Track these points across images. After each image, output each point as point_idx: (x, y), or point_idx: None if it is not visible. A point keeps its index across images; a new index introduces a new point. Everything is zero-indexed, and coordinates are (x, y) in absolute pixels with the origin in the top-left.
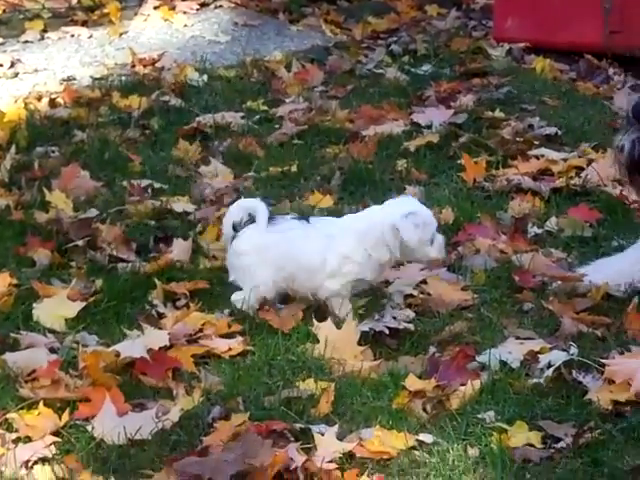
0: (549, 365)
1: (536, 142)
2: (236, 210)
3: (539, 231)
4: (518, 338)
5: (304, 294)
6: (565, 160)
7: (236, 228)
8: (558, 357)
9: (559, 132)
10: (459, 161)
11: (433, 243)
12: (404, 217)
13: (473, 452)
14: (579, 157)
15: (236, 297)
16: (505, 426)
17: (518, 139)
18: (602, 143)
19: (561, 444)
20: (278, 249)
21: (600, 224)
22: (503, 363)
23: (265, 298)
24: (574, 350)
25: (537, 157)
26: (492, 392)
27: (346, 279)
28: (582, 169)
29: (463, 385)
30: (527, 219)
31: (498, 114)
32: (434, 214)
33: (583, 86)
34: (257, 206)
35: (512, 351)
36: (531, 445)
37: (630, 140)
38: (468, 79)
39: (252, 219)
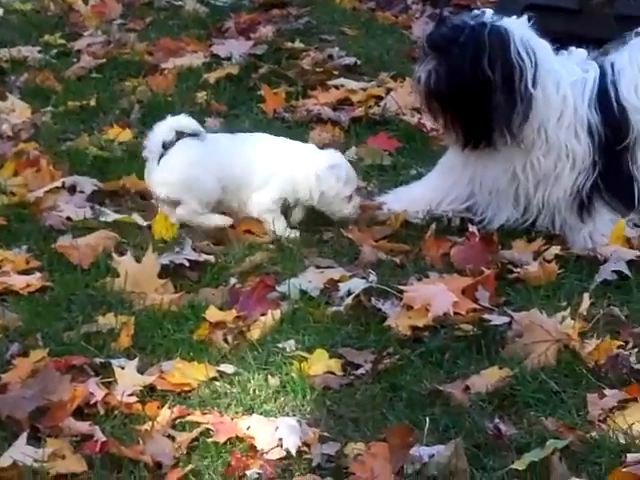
0: (349, 293)
1: (335, 72)
2: (166, 128)
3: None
4: (318, 267)
5: (234, 208)
6: (364, 90)
7: (165, 146)
8: (357, 285)
9: (358, 62)
10: (259, 92)
11: (350, 201)
12: (328, 168)
13: (274, 381)
14: (378, 86)
15: (181, 211)
16: (305, 354)
17: (318, 69)
18: (401, 72)
19: (361, 370)
20: (215, 160)
21: (399, 152)
22: (303, 292)
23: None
24: (373, 277)
25: (337, 87)
26: (292, 321)
27: (274, 194)
28: (381, 98)
29: (264, 315)
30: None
31: (298, 45)
32: None
33: (382, 16)
34: (188, 122)
35: (312, 280)
36: (331, 372)
37: (426, 70)
38: (267, 10)
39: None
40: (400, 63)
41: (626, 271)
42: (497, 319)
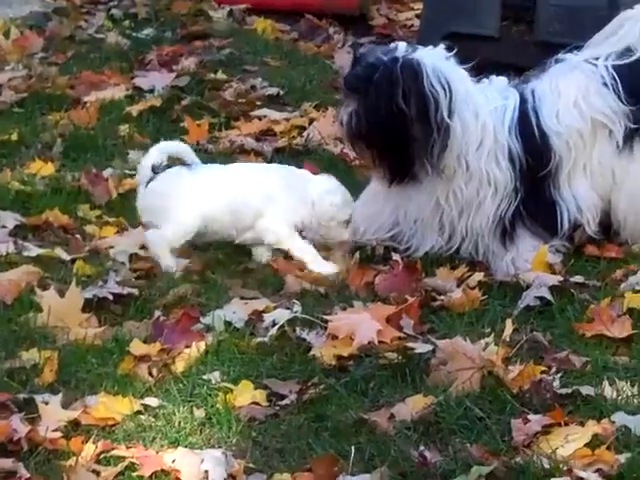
0: (273, 324)
1: (258, 103)
2: (157, 152)
3: None
4: (243, 298)
5: (226, 236)
6: (287, 120)
7: (155, 170)
8: (282, 315)
9: (281, 92)
10: (182, 124)
11: (347, 226)
12: (324, 193)
13: (199, 413)
14: (301, 116)
15: (151, 236)
16: (231, 386)
17: (240, 100)
18: (323, 102)
19: (286, 401)
20: (203, 191)
21: None
22: (228, 323)
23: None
24: (297, 308)
25: (259, 118)
26: (217, 353)
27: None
28: (304, 128)
29: (188, 347)
30: None
31: (220, 76)
32: None
33: (304, 46)
34: (182, 149)
35: (236, 311)
36: (257, 403)
37: (347, 113)
38: (190, 42)
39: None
40: (323, 93)
41: (549, 297)
42: (421, 347)
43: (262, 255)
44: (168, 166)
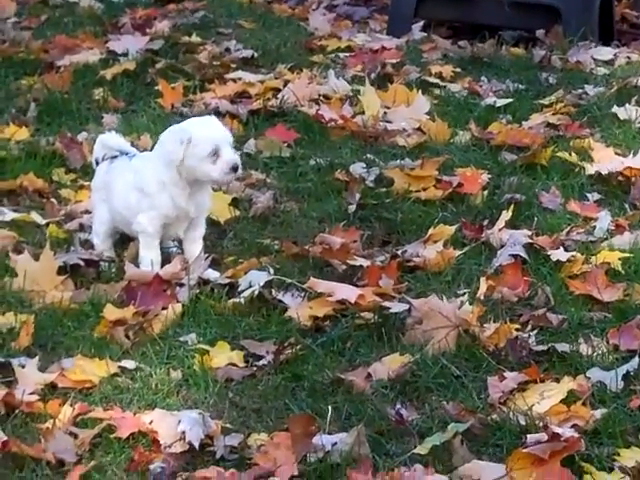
0: (249, 285)
1: (233, 65)
2: (98, 145)
3: (238, 153)
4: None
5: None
6: (262, 82)
7: (97, 163)
8: (259, 277)
9: (255, 54)
10: (156, 87)
11: (217, 162)
12: (169, 131)
13: (176, 375)
14: (276, 79)
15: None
16: (207, 347)
17: (215, 63)
18: (298, 64)
19: (263, 362)
20: (106, 188)
21: (298, 144)
22: (204, 283)
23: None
24: (273, 270)
25: (234, 80)
26: (194, 314)
27: (150, 215)
28: (279, 90)
29: (165, 309)
30: None
31: (194, 39)
32: (131, 141)
33: (279, 8)
34: (118, 140)
35: (212, 272)
36: (233, 364)
37: None
38: (163, 5)
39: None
40: (297, 55)
41: (523, 254)
42: (397, 307)
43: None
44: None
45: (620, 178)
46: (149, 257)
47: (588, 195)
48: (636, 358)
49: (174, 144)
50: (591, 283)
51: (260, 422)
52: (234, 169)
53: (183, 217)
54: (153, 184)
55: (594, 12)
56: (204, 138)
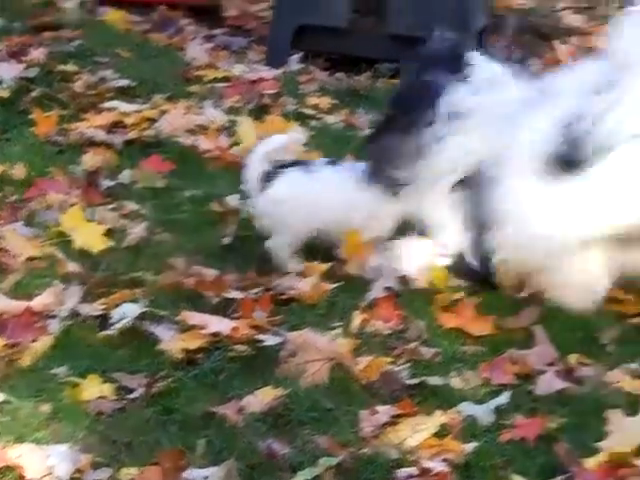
0: (122, 317)
1: (109, 94)
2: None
3: (112, 184)
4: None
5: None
6: (138, 112)
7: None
8: (131, 310)
9: (132, 84)
10: (31, 116)
11: None
12: None
13: (46, 408)
14: (152, 108)
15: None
16: (78, 380)
17: (90, 92)
18: (175, 94)
19: (134, 394)
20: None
21: (173, 174)
22: (76, 315)
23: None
24: (146, 302)
25: (109, 109)
26: (65, 347)
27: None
28: (155, 121)
29: (35, 341)
30: (100, 172)
31: (70, 67)
32: (4, 170)
33: (156, 37)
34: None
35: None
36: (105, 397)
37: None
38: (39, 32)
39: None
40: (174, 85)
41: (397, 287)
42: (270, 339)
43: None
44: None
45: None
46: None
47: None
48: (507, 392)
49: None
50: (462, 316)
51: (130, 456)
52: None
53: None
54: None
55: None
56: None
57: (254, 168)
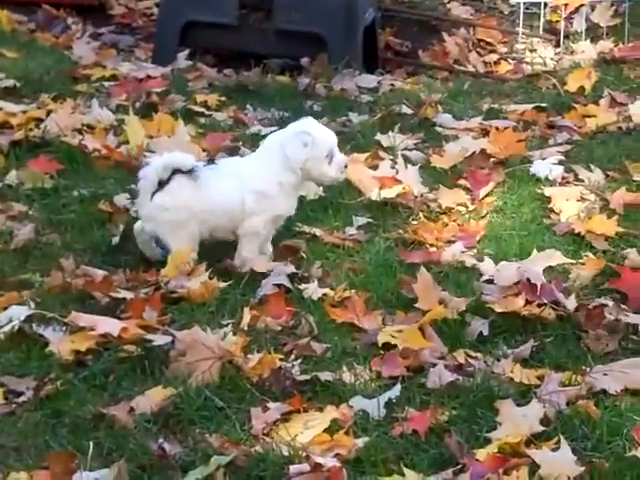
0: (10, 320)
1: None
2: (159, 169)
3: None
4: None
5: (225, 237)
6: (24, 112)
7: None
8: (19, 312)
9: (18, 84)
10: None
11: (331, 163)
12: (293, 135)
13: None
14: (38, 108)
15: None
16: None
17: None
18: (62, 93)
19: (22, 398)
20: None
21: (60, 174)
22: None
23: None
24: (34, 304)
25: None
26: None
27: (265, 217)
28: (42, 120)
29: None
30: None
31: None
32: None
33: (42, 36)
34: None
35: None
36: None
37: None
38: None
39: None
40: (61, 84)
41: (288, 284)
42: (160, 339)
43: None
44: None
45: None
46: (252, 255)
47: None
48: (398, 385)
49: (297, 147)
50: (351, 311)
51: (20, 460)
52: (345, 167)
53: (286, 219)
54: (273, 186)
55: (358, 40)
56: (322, 140)
57: (149, 180)
